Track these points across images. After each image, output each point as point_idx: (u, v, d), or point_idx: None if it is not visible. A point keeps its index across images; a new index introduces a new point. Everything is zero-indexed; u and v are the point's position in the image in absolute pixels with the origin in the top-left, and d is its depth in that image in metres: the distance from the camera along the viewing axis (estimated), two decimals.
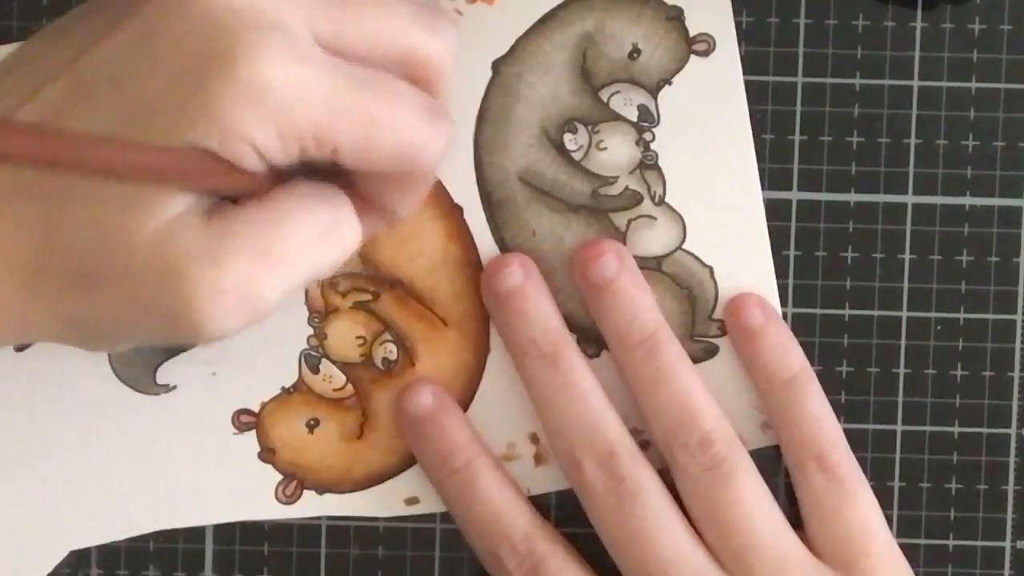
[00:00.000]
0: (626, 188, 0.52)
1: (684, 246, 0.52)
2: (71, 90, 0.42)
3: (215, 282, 0.42)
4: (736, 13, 0.51)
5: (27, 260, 0.42)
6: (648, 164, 0.51)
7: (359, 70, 0.43)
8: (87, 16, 0.43)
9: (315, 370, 0.52)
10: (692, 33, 0.51)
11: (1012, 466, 0.52)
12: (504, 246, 0.52)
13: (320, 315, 0.52)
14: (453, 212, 0.51)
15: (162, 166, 0.41)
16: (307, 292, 0.52)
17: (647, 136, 0.51)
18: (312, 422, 0.52)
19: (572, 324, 0.52)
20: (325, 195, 0.44)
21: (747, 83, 0.51)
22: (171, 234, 0.42)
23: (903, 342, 0.52)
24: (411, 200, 0.45)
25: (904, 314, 0.52)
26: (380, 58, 0.43)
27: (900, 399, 0.52)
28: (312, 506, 0.52)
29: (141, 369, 0.52)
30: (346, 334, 0.52)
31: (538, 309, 0.51)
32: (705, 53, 0.51)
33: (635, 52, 0.51)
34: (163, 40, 0.41)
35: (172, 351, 0.52)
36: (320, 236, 0.43)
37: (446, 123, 0.44)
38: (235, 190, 0.42)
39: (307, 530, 0.52)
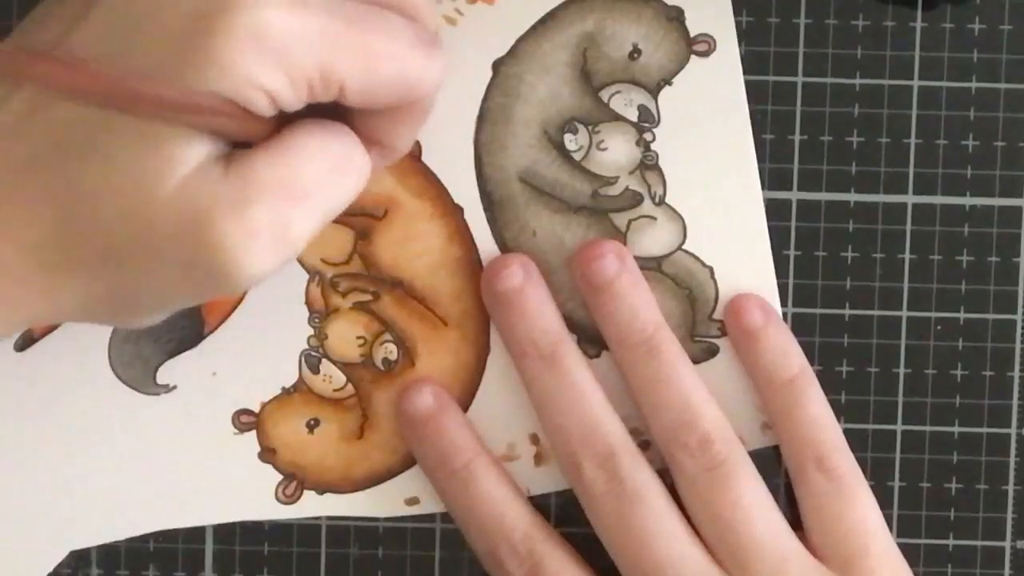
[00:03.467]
0: (626, 188, 0.51)
1: (684, 246, 0.51)
2: (88, 32, 0.42)
3: (246, 225, 0.42)
4: (736, 13, 0.51)
5: (48, 237, 0.42)
6: (648, 164, 0.51)
7: (353, 5, 0.43)
8: None
9: (315, 370, 0.52)
10: (692, 33, 0.51)
11: (1012, 466, 0.52)
12: (504, 246, 0.52)
13: (320, 315, 0.52)
14: (453, 212, 0.51)
15: (190, 101, 0.41)
16: (307, 292, 0.52)
17: (647, 136, 0.51)
18: (312, 422, 0.52)
19: (572, 324, 0.52)
20: (331, 129, 0.44)
21: (747, 83, 0.51)
22: (193, 187, 0.42)
23: (903, 342, 0.52)
24: (410, 133, 0.46)
25: (904, 314, 0.52)
26: None
27: (900, 399, 0.52)
28: (312, 506, 0.52)
29: (141, 369, 0.52)
30: (346, 334, 0.52)
31: (538, 310, 0.51)
32: (705, 53, 0.51)
33: (635, 52, 0.51)
34: None
35: (172, 351, 0.52)
36: (335, 166, 0.44)
37: (440, 50, 0.45)
38: (248, 135, 0.43)
39: (307, 530, 0.52)
